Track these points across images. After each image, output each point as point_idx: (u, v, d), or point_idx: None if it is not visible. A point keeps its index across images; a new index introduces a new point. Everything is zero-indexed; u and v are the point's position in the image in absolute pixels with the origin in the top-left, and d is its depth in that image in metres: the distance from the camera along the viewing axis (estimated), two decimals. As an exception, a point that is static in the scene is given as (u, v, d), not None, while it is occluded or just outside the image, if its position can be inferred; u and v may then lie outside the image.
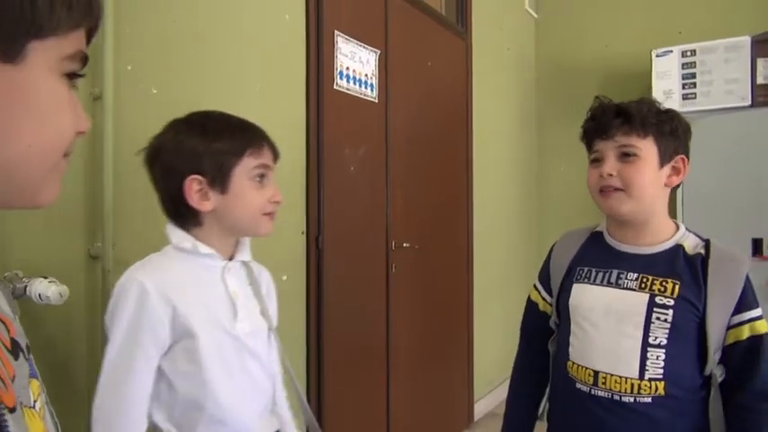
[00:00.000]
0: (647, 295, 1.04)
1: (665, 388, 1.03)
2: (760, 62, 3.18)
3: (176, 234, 1.02)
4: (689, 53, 3.34)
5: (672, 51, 3.38)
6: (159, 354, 0.96)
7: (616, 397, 1.04)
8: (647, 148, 1.06)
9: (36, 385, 0.48)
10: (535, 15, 4.20)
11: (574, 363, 1.11)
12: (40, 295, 1.16)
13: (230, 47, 1.72)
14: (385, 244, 2.45)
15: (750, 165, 3.18)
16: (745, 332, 1.03)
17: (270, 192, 1.04)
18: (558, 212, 3.95)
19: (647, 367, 1.03)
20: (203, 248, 1.01)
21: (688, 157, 1.11)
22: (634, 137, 1.06)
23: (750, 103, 3.19)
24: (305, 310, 2.01)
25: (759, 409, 1.02)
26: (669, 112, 1.11)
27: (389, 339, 2.46)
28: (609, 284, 1.08)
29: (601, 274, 1.10)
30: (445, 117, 3.00)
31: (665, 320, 1.03)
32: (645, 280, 1.06)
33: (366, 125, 2.37)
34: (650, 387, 1.03)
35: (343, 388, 2.17)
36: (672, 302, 1.03)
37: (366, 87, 2.35)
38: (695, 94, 3.32)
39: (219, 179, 0.99)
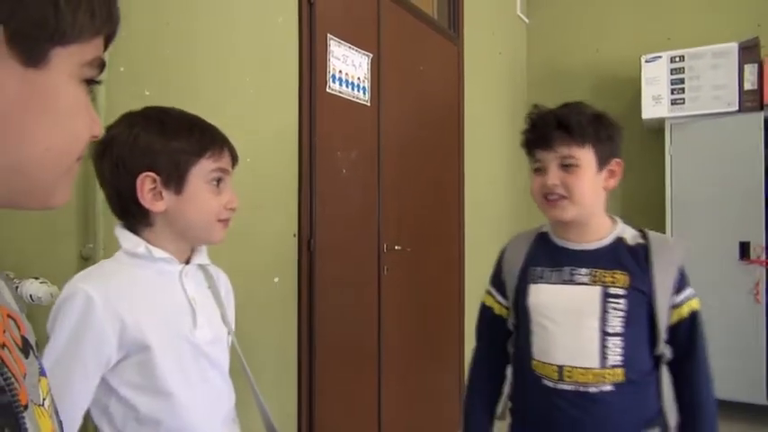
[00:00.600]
0: (600, 288, 1.11)
1: (624, 374, 1.09)
2: (747, 68, 3.23)
3: (128, 238, 0.96)
4: (677, 59, 3.39)
5: (661, 57, 3.42)
6: (101, 370, 0.89)
7: (581, 389, 1.10)
8: (586, 157, 1.12)
9: (45, 383, 0.48)
10: (526, 20, 4.24)
11: (538, 360, 1.15)
12: (31, 296, 1.16)
13: (223, 49, 1.72)
14: (377, 247, 2.46)
15: (737, 169, 3.22)
16: (686, 310, 1.13)
17: (226, 197, 1.00)
18: (548, 216, 3.98)
19: (607, 355, 1.09)
20: (158, 253, 0.95)
21: (621, 157, 1.19)
22: (574, 147, 1.12)
23: (737, 108, 3.23)
24: (296, 312, 2.01)
25: (702, 389, 1.13)
26: (603, 117, 1.17)
27: (381, 341, 2.46)
28: (563, 282, 1.14)
29: (555, 274, 1.16)
30: (437, 121, 3.02)
31: (619, 309, 1.10)
32: (595, 274, 1.13)
33: (358, 128, 2.38)
34: (612, 374, 1.09)
35: (334, 389, 2.17)
36: (623, 292, 1.10)
37: (358, 91, 2.36)
38: (683, 99, 3.36)
39: (175, 179, 0.94)
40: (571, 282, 1.13)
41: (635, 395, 1.10)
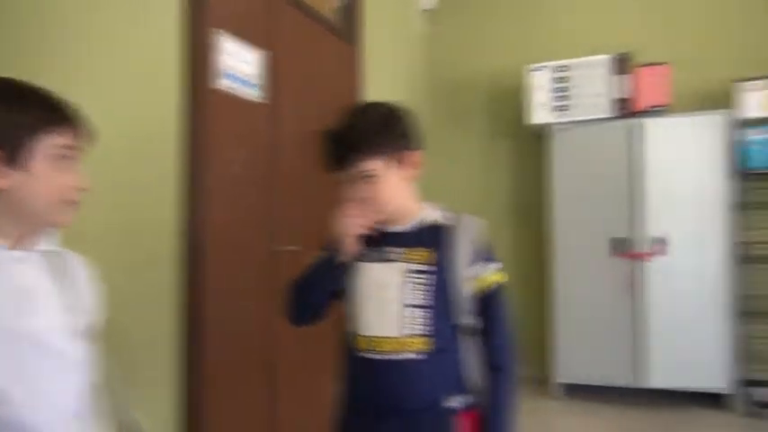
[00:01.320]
0: (404, 264, 1.21)
1: (426, 343, 1.18)
2: (619, 78, 3.53)
3: None
4: (560, 69, 3.64)
5: (545, 67, 3.66)
6: None
7: (387, 357, 1.18)
8: (380, 165, 1.19)
9: None
10: (426, 30, 4.38)
11: (357, 334, 1.23)
12: None
13: (93, 31, 1.64)
14: (269, 246, 2.43)
15: (611, 170, 3.51)
16: (485, 282, 1.22)
17: (74, 177, 0.95)
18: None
19: (407, 326, 1.18)
20: None
21: (419, 146, 1.26)
22: (366, 161, 1.18)
23: (611, 114, 3.53)
24: (181, 313, 1.94)
25: (502, 356, 1.22)
26: (388, 120, 1.23)
27: (275, 346, 2.42)
28: (380, 261, 1.23)
29: (375, 253, 1.24)
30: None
31: (420, 283, 1.19)
32: (402, 252, 1.22)
33: (251, 126, 2.35)
34: (413, 343, 1.17)
35: (224, 399, 2.11)
36: (424, 267, 1.20)
37: (251, 88, 2.34)
38: (565, 106, 3.62)
39: (16, 155, 0.89)
40: (383, 260, 1.22)
41: (439, 363, 1.18)
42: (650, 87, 3.51)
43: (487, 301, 1.22)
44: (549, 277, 3.70)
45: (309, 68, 2.79)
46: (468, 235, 1.22)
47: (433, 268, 1.19)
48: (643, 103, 3.51)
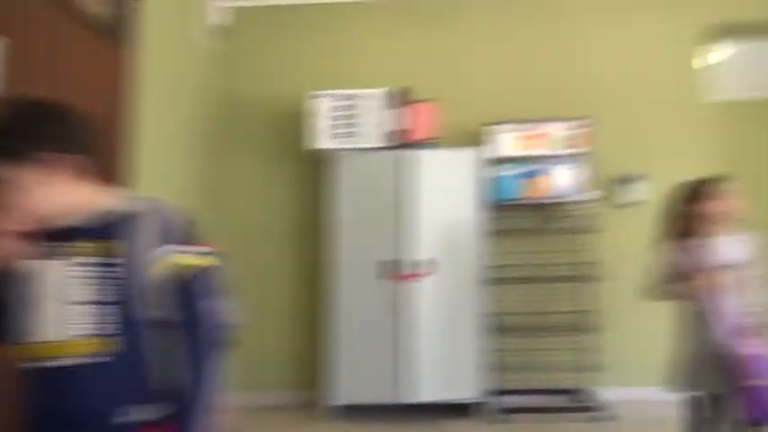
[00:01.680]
0: (72, 258, 1.07)
1: (102, 344, 1.05)
2: (397, 111, 3.80)
3: None
4: (341, 98, 3.81)
5: (326, 95, 3.81)
6: None
7: (53, 364, 1.04)
8: (16, 172, 1.06)
9: None
10: (218, 47, 4.28)
11: (22, 341, 1.07)
12: None
13: None
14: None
15: (385, 197, 3.74)
16: (178, 267, 1.09)
17: None
18: (236, 238, 3.97)
19: (76, 326, 1.04)
20: None
21: (74, 149, 1.12)
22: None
23: (386, 144, 3.77)
24: None
25: (200, 354, 1.09)
26: (24, 123, 1.10)
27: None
28: (43, 258, 1.09)
29: (38, 251, 1.10)
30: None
31: (93, 277, 1.06)
32: (70, 247, 1.08)
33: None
34: (84, 345, 1.04)
35: None
36: (98, 260, 1.07)
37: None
38: (345, 134, 3.79)
39: None
40: (47, 257, 1.08)
41: (119, 367, 1.05)
42: (422, 122, 3.83)
43: (186, 289, 1.08)
44: (324, 300, 3.77)
45: (63, 65, 2.52)
46: (157, 220, 1.10)
47: (109, 260, 1.06)
48: (416, 135, 3.81)
